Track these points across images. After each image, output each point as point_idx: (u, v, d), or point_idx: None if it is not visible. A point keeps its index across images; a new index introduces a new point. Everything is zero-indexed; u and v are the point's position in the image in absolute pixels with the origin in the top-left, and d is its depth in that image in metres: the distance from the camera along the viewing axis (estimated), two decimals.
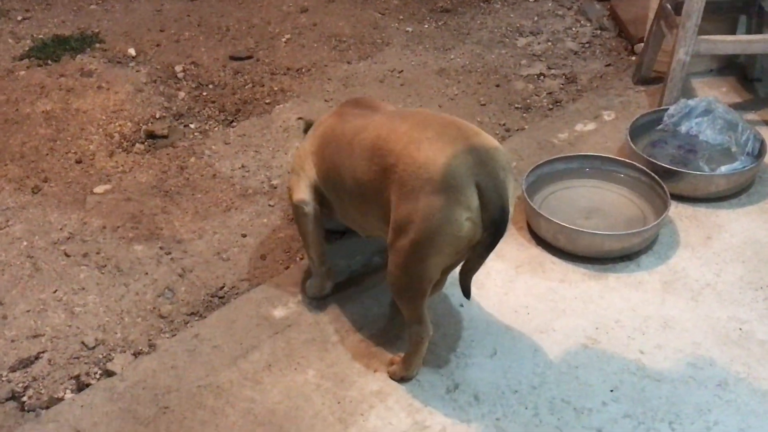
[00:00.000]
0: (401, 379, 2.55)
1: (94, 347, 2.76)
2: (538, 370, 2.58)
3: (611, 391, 2.51)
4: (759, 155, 3.26)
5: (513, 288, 2.86)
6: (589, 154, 3.30)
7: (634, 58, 4.24)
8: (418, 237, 2.26)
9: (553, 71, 4.23)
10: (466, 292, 2.45)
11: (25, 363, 2.71)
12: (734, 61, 3.99)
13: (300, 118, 3.08)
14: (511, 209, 2.30)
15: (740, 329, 2.70)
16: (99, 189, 3.44)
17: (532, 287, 2.87)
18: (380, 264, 2.98)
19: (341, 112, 2.72)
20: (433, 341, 2.61)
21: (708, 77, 3.98)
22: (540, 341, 2.67)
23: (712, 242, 3.04)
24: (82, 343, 2.78)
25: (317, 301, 2.82)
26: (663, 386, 2.52)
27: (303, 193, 2.69)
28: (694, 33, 3.43)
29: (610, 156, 3.29)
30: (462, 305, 2.79)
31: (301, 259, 3.06)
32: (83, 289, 2.97)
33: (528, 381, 2.54)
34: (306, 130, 3.03)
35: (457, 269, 2.47)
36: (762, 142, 3.29)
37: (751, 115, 3.66)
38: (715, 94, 3.83)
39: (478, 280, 2.83)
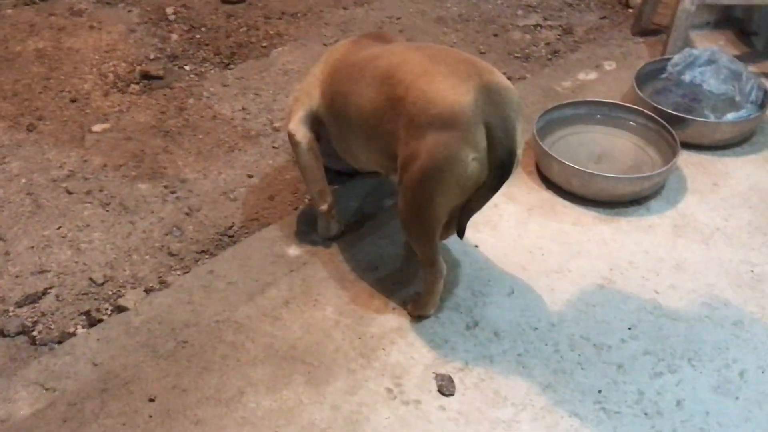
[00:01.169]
0: (419, 317, 2.54)
1: (102, 284, 2.71)
2: (555, 308, 2.58)
3: (629, 329, 2.53)
4: (762, 104, 3.28)
5: (526, 230, 2.86)
6: (597, 99, 3.30)
7: (630, 11, 4.24)
8: (425, 175, 2.22)
9: (549, 22, 4.22)
10: (461, 232, 2.41)
11: (32, 299, 2.65)
12: (731, 15, 4.01)
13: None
14: (520, 152, 2.27)
15: (752, 271, 2.73)
16: (97, 128, 3.36)
17: (545, 229, 2.87)
18: (391, 206, 2.95)
19: (357, 41, 2.67)
20: (449, 280, 2.61)
21: (705, 30, 4.00)
22: (556, 281, 2.68)
23: (719, 189, 3.07)
24: (90, 279, 2.72)
25: (331, 241, 2.79)
26: (680, 325, 2.54)
27: (297, 122, 2.65)
28: None
29: (618, 102, 3.29)
30: (477, 246, 2.79)
31: (310, 200, 3.02)
32: (88, 226, 2.90)
33: (547, 319, 2.55)
34: None
35: None
36: (766, 91, 3.31)
37: (750, 68, 3.67)
38: (712, 48, 3.85)
39: (491, 221, 2.84)
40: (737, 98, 3.30)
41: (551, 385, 2.36)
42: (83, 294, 2.68)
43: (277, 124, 3.41)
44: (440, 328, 2.51)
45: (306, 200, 3.02)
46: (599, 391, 2.34)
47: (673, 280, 2.69)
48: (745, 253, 2.80)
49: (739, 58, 3.77)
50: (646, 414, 2.29)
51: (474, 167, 2.19)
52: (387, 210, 2.94)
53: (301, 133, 2.64)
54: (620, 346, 2.47)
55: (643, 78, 3.44)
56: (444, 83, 2.20)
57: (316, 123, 2.66)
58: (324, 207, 2.74)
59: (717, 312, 2.59)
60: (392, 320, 2.53)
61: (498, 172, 2.22)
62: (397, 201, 2.39)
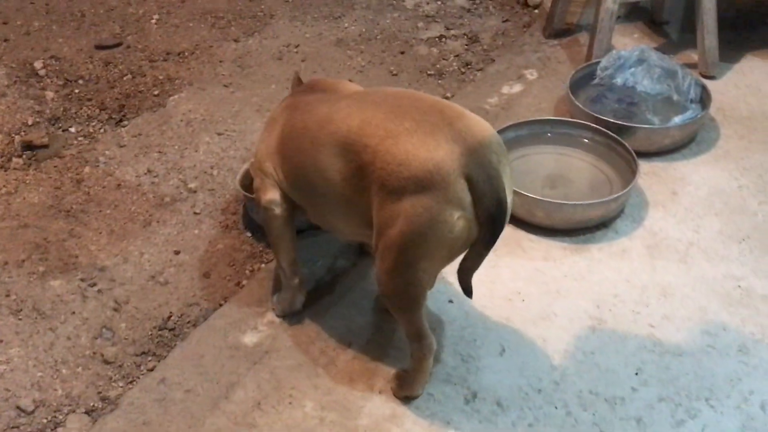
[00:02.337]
0: (406, 398, 2.27)
1: (33, 411, 2.31)
2: (554, 362, 2.36)
3: (636, 374, 2.33)
4: (702, 101, 3.16)
5: (498, 275, 2.62)
6: (538, 118, 3.09)
7: (534, 10, 4.07)
8: (406, 241, 1.97)
9: (452, 32, 3.99)
10: (468, 292, 2.16)
11: None
12: (639, 6, 3.89)
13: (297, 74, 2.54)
14: (510, 198, 2.02)
15: (739, 287, 2.59)
16: None
17: (518, 270, 2.64)
18: (346, 266, 2.67)
19: (295, 104, 2.36)
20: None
21: (617, 24, 3.85)
22: (545, 329, 2.46)
23: (679, 198, 2.92)
24: (17, 407, 2.31)
25: (290, 319, 2.48)
26: (685, 360, 2.37)
27: (272, 193, 2.33)
28: None
29: (561, 118, 3.09)
30: (451, 301, 2.53)
31: (251, 272, 2.70)
32: (1, 341, 2.48)
33: (548, 377, 2.32)
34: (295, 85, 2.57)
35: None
36: (703, 87, 3.19)
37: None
38: (627, 42, 3.73)
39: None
40: (675, 97, 3.17)
41: None
42: (12, 428, 2.27)
43: (191, 185, 3.05)
44: (437, 406, 2.25)
45: (247, 272, 2.69)
46: None
47: (665, 309, 2.52)
48: (726, 267, 2.65)
49: (658, 50, 3.65)
50: None
51: (461, 226, 1.95)
52: (342, 272, 2.65)
53: (281, 206, 2.34)
54: (633, 397, 2.27)
55: (574, 86, 3.26)
56: (412, 140, 1.95)
57: (287, 195, 2.34)
58: (295, 281, 2.44)
59: (718, 339, 2.43)
60: (382, 406, 2.25)
61: (489, 227, 1.98)
62: (375, 271, 2.11)
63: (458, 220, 1.94)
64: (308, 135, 2.18)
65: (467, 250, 2.05)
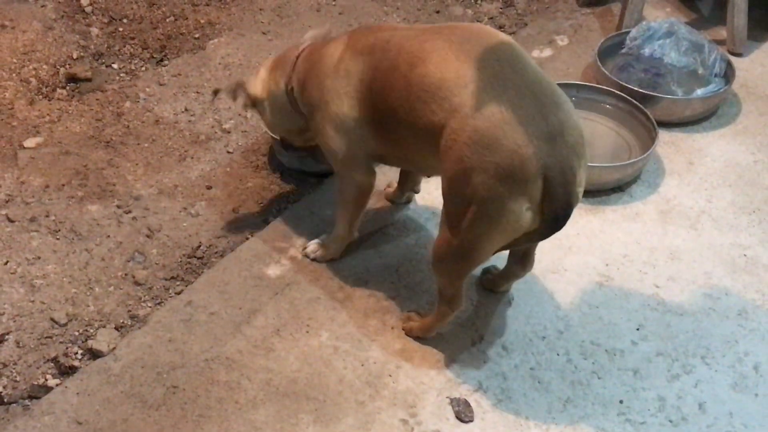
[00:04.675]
0: (418, 338, 2.39)
1: (66, 324, 2.45)
2: (560, 313, 2.48)
3: (637, 329, 2.44)
4: (726, 76, 3.23)
5: None
6: (564, 82, 3.17)
7: None
8: (473, 221, 2.02)
9: None
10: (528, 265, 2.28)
11: None
12: None
13: (217, 91, 2.57)
14: (580, 190, 2.05)
15: (745, 255, 2.68)
16: (29, 143, 3.05)
17: None
18: (368, 211, 2.77)
19: (365, 47, 2.24)
20: None
21: None
22: (554, 283, 2.57)
23: (695, 167, 3.00)
24: (52, 320, 2.46)
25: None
26: (686, 320, 2.47)
27: (367, 170, 2.39)
28: None
29: (587, 83, 3.18)
30: None
31: (278, 210, 2.83)
32: (39, 258, 2.63)
33: (553, 326, 2.44)
34: (235, 96, 2.53)
35: None
36: (728, 63, 3.26)
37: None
38: (659, 15, 3.78)
39: None
40: (700, 71, 3.24)
41: (571, 400, 2.25)
42: (46, 337, 2.42)
43: (226, 126, 3.17)
44: (445, 345, 2.37)
45: (274, 210, 2.81)
46: (621, 402, 2.25)
47: (671, 271, 2.62)
48: (734, 236, 2.75)
49: (689, 24, 3.71)
50: (671, 422, 2.21)
51: (528, 217, 2.00)
52: (365, 215, 2.76)
53: (371, 178, 2.43)
54: (632, 350, 2.38)
55: (603, 54, 3.34)
56: (504, 128, 1.93)
57: (369, 152, 2.36)
58: (349, 239, 2.58)
59: (720, 302, 2.53)
60: (393, 342, 2.38)
61: (551, 224, 2.02)
62: (437, 236, 2.19)
63: (527, 212, 1.98)
64: (399, 73, 2.12)
65: (524, 234, 2.08)
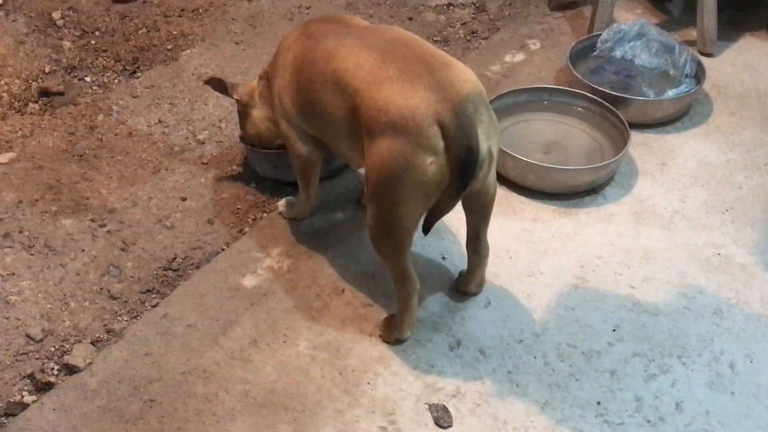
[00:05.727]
0: (396, 341, 2.40)
1: (42, 339, 2.44)
2: (536, 316, 2.49)
3: (613, 330, 2.45)
4: (697, 77, 3.26)
5: (489, 233, 2.72)
6: (536, 86, 3.19)
7: None
8: (384, 184, 2.11)
9: (460, 0, 4.08)
10: (426, 229, 2.24)
11: None
12: None
13: (212, 80, 2.74)
14: (491, 144, 2.13)
15: (719, 254, 2.70)
16: (2, 158, 3.03)
17: (508, 229, 2.76)
18: (343, 218, 2.79)
19: (308, 32, 2.46)
20: (422, 296, 2.47)
21: (621, 0, 3.94)
22: (530, 285, 2.58)
23: (668, 168, 3.03)
24: (27, 336, 2.45)
25: (289, 266, 2.61)
26: (661, 320, 2.49)
27: (306, 143, 2.53)
28: None
29: (558, 87, 3.20)
30: (444, 257, 2.65)
31: (253, 220, 2.82)
32: (13, 274, 2.61)
33: (530, 329, 2.45)
34: (230, 88, 2.77)
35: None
36: (699, 63, 3.28)
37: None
38: (630, 17, 3.81)
39: (452, 226, 2.71)
40: (671, 72, 3.26)
41: (549, 403, 2.26)
42: (22, 354, 2.41)
43: (200, 137, 3.17)
44: (423, 351, 2.38)
45: (249, 220, 2.81)
46: (598, 403, 2.26)
47: (645, 271, 2.63)
48: (708, 235, 2.77)
49: (660, 26, 3.74)
50: (649, 422, 2.22)
51: (434, 170, 2.07)
52: (340, 224, 2.77)
53: (315, 154, 2.56)
54: (609, 351, 2.40)
55: (574, 57, 3.36)
56: (392, 88, 2.09)
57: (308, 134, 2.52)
58: (311, 203, 2.74)
59: (694, 302, 2.55)
60: (371, 349, 2.38)
61: (459, 171, 2.08)
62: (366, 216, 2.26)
63: (430, 165, 2.06)
64: (317, 67, 2.32)
65: (440, 194, 2.14)
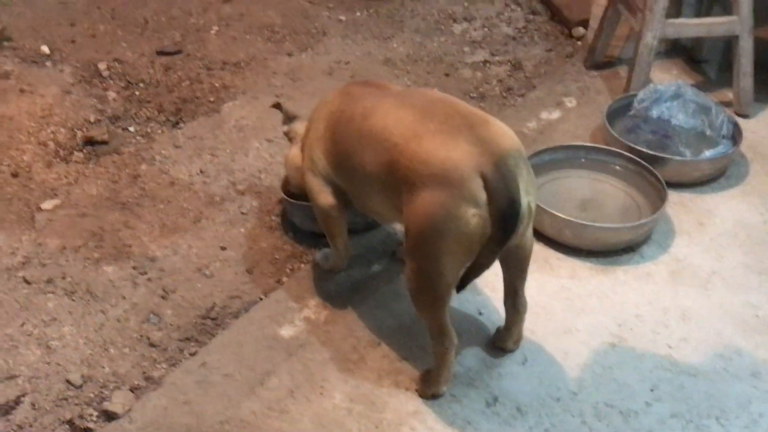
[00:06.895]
0: (432, 396, 2.40)
1: (81, 385, 2.47)
2: (573, 374, 2.48)
3: (651, 390, 2.44)
4: (734, 138, 3.27)
5: (526, 289, 2.74)
6: (574, 144, 3.22)
7: (577, 42, 4.20)
8: (426, 237, 2.13)
9: (497, 58, 4.13)
10: (461, 287, 2.25)
11: (4, 409, 2.40)
12: (679, 43, 4.00)
13: (276, 105, 2.83)
14: (530, 199, 2.16)
15: (757, 315, 2.69)
16: (47, 204, 3.10)
17: (544, 286, 2.77)
18: (379, 271, 2.81)
19: (347, 92, 2.54)
20: (458, 352, 2.47)
21: (656, 60, 3.96)
22: (567, 343, 2.58)
23: (705, 228, 3.03)
24: (67, 381, 2.48)
25: (326, 317, 2.63)
26: (699, 381, 2.47)
27: (328, 196, 2.54)
28: (662, 16, 3.40)
29: (595, 145, 3.22)
30: (481, 312, 2.66)
31: (291, 270, 2.86)
32: (55, 319, 2.66)
33: (566, 387, 2.44)
34: (287, 119, 2.86)
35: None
36: (735, 124, 3.30)
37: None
38: (666, 78, 3.84)
39: (489, 282, 2.72)
40: (708, 132, 3.28)
41: None
42: (62, 399, 2.44)
43: (240, 187, 3.22)
44: (458, 407, 2.38)
45: (288, 270, 2.85)
46: None
47: (683, 331, 2.63)
48: (745, 296, 2.76)
49: (695, 87, 3.76)
50: None
51: (476, 222, 2.09)
52: (376, 276, 2.79)
53: (337, 208, 2.56)
54: (646, 411, 2.38)
55: (611, 116, 3.39)
56: (434, 141, 2.13)
57: (336, 186, 2.54)
58: (347, 256, 2.74)
59: (732, 363, 2.53)
60: (407, 403, 2.39)
61: (501, 224, 2.10)
62: (405, 270, 2.27)
63: (473, 217, 2.09)
64: (354, 124, 2.36)
65: (481, 248, 2.15)
